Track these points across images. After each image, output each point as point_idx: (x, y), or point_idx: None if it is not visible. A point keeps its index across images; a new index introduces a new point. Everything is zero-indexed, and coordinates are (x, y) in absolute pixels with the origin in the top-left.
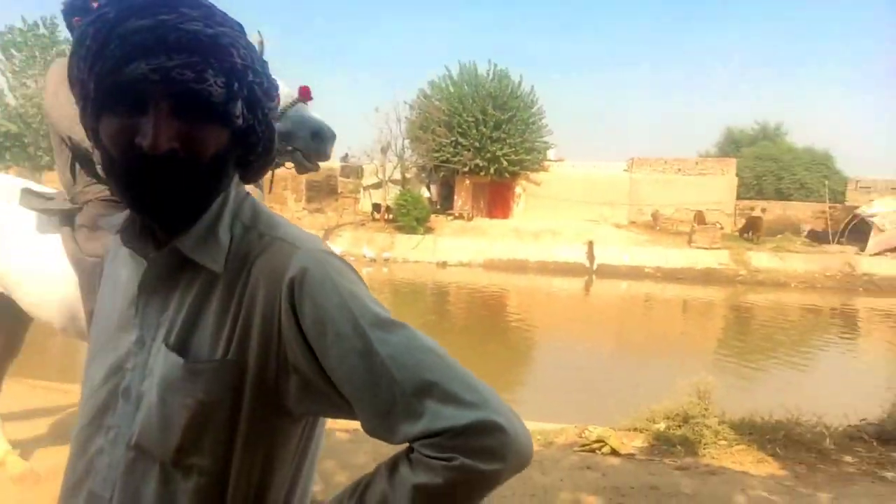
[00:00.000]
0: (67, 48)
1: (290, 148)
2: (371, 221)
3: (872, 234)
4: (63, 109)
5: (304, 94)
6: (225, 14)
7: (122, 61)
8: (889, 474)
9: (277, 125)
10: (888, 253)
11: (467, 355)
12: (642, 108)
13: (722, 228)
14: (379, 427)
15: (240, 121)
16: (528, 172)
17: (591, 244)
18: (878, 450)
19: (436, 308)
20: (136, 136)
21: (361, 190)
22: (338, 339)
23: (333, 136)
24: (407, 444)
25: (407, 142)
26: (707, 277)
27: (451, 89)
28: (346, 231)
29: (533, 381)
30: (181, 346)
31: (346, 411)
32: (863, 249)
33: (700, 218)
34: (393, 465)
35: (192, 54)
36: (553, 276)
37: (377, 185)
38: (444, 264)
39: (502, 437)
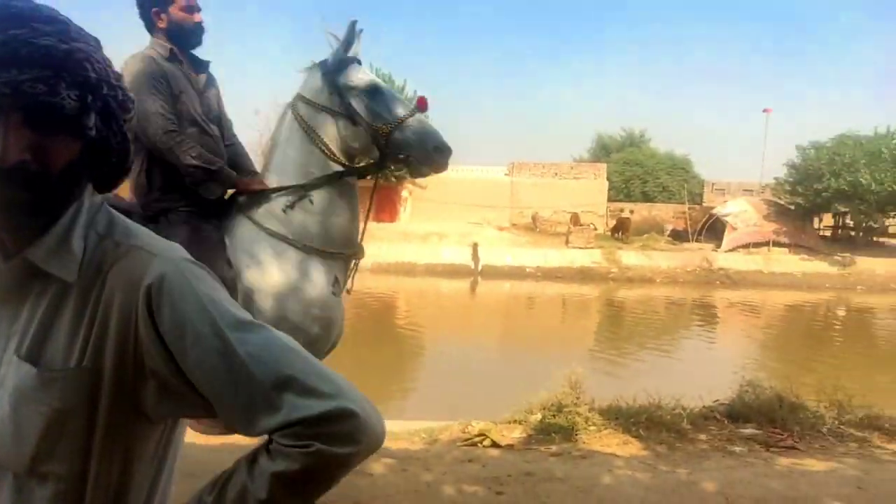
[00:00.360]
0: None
1: (402, 156)
2: None
3: (726, 232)
4: (142, 105)
5: (422, 106)
6: (81, 29)
7: None
8: (737, 448)
9: (396, 134)
10: (740, 249)
11: (357, 359)
12: (521, 115)
13: (595, 229)
14: (239, 422)
15: (93, 132)
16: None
17: (475, 246)
18: (729, 427)
19: None
20: None
21: None
22: (197, 340)
23: (451, 151)
24: (266, 438)
25: None
26: (583, 275)
27: None
28: None
29: (422, 382)
30: (34, 356)
31: (205, 410)
32: (718, 246)
33: (575, 219)
34: (252, 458)
35: (45, 68)
36: (440, 278)
37: None
38: None
39: (356, 423)
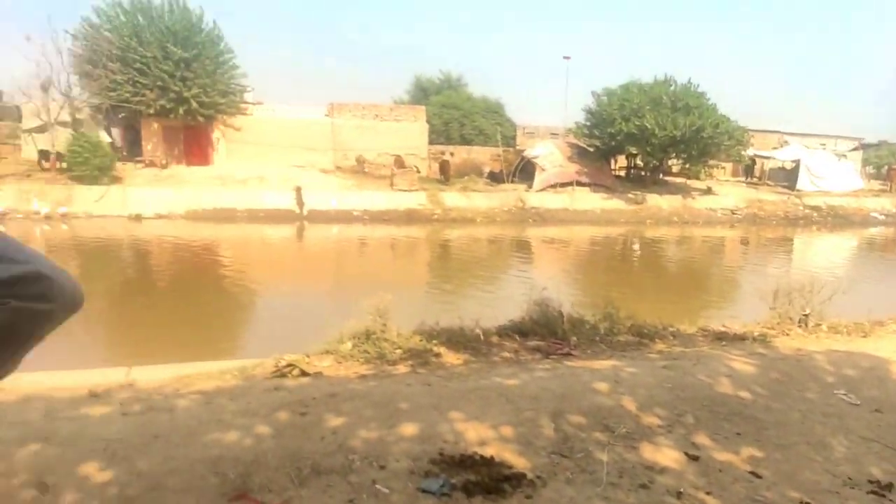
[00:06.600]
0: None
1: None
2: (40, 171)
3: (536, 173)
4: None
5: None
6: None
7: None
8: (523, 358)
9: None
10: (549, 189)
11: (181, 309)
12: (338, 55)
13: (419, 172)
14: None
15: None
16: (225, 116)
17: (299, 190)
18: (518, 341)
19: (137, 264)
20: None
21: (21, 134)
22: None
23: None
24: None
25: (74, 78)
26: (409, 217)
27: (123, 18)
28: (8, 184)
29: (249, 325)
30: None
31: None
32: (530, 187)
33: (399, 162)
34: None
35: None
36: (263, 224)
37: (41, 129)
38: (138, 217)
39: (48, 283)
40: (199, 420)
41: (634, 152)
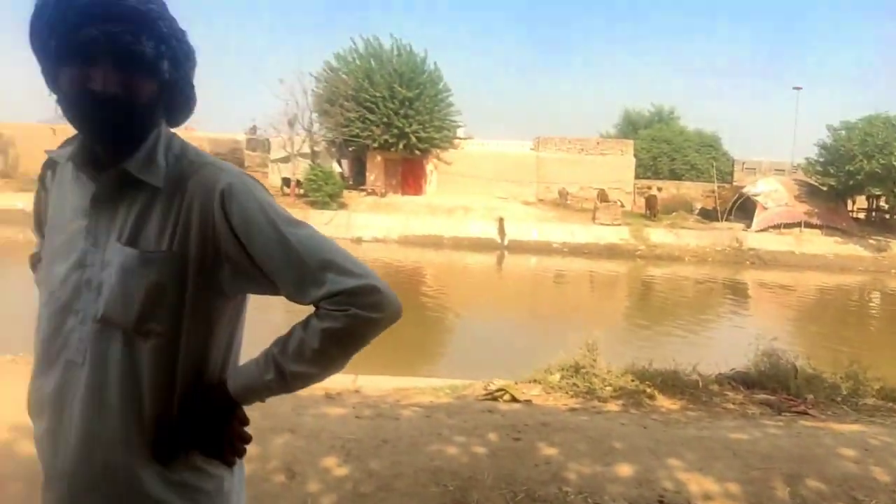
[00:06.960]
0: None
1: None
2: (281, 196)
3: (757, 211)
4: None
5: None
6: None
7: (78, 27)
8: (750, 411)
9: None
10: (771, 229)
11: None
12: (547, 89)
13: (622, 206)
14: (294, 294)
15: (166, 75)
16: (439, 150)
17: (501, 220)
18: (743, 392)
19: None
20: (88, 82)
21: (269, 164)
22: (260, 233)
23: None
24: (314, 308)
25: (315, 115)
26: (610, 252)
27: (358, 63)
28: None
29: (450, 347)
30: (133, 242)
31: (268, 288)
32: (748, 226)
33: (603, 196)
34: (306, 321)
35: (130, 23)
36: (467, 252)
37: (286, 159)
38: (359, 240)
39: (380, 296)
40: (420, 431)
41: (878, 193)
